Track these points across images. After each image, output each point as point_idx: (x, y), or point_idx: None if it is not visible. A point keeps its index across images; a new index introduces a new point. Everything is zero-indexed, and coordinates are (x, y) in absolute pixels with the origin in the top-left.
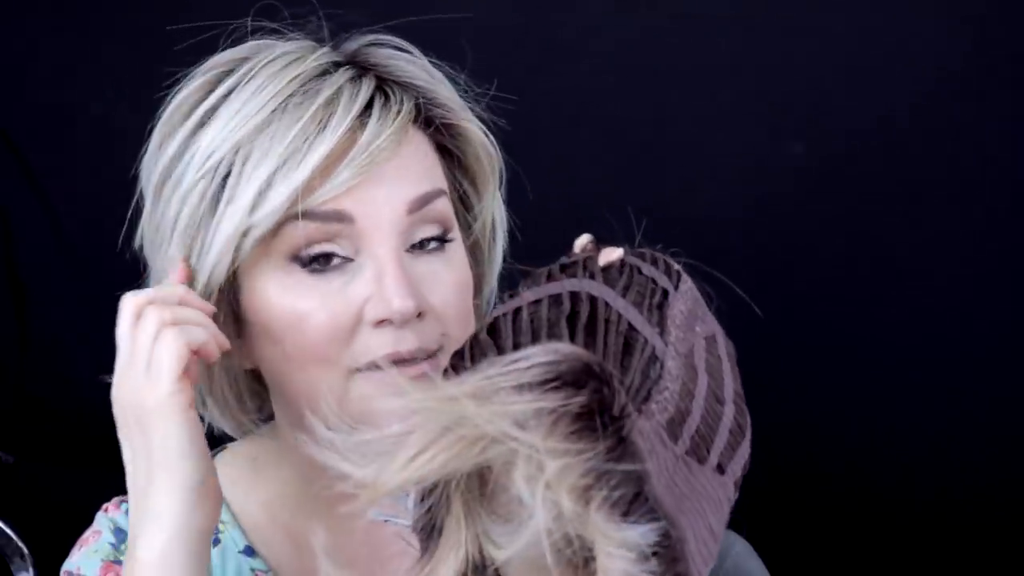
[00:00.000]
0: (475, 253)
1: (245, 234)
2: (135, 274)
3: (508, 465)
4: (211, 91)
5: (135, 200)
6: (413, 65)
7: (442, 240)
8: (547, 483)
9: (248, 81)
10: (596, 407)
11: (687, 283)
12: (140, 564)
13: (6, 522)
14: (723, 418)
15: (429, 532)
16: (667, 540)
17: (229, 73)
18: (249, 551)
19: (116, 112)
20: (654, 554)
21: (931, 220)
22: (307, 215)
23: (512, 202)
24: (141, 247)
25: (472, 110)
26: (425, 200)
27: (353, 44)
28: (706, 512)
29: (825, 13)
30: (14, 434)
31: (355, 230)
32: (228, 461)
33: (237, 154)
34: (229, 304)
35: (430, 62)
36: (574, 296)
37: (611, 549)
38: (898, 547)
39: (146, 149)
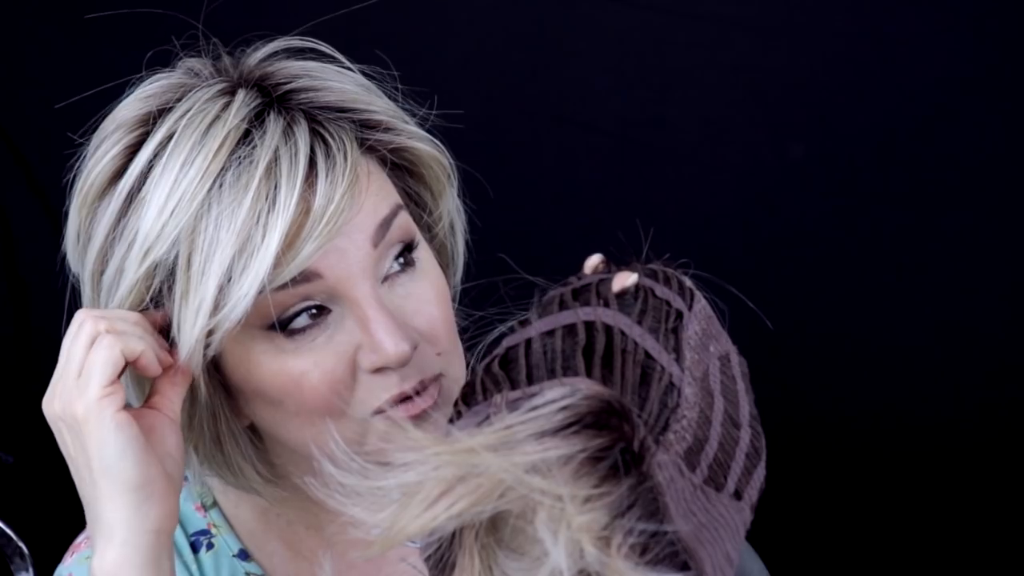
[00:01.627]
0: (441, 252)
1: (214, 331)
2: None
3: (527, 510)
4: (128, 161)
5: (70, 285)
6: (338, 79)
7: (409, 250)
8: (569, 527)
9: (169, 153)
10: (617, 447)
11: (700, 302)
12: (96, 574)
13: (6, 522)
14: (739, 443)
15: (442, 568)
16: None
17: (144, 137)
18: (244, 555)
19: None
20: None
21: (931, 219)
22: (275, 288)
23: (517, 203)
24: None
25: (410, 108)
26: (387, 224)
27: (255, 60)
28: (723, 539)
29: (826, 14)
30: (14, 434)
31: (325, 284)
32: None
33: (180, 245)
34: (211, 371)
35: (343, 64)
36: (589, 326)
37: None
38: (898, 549)
39: (65, 232)
